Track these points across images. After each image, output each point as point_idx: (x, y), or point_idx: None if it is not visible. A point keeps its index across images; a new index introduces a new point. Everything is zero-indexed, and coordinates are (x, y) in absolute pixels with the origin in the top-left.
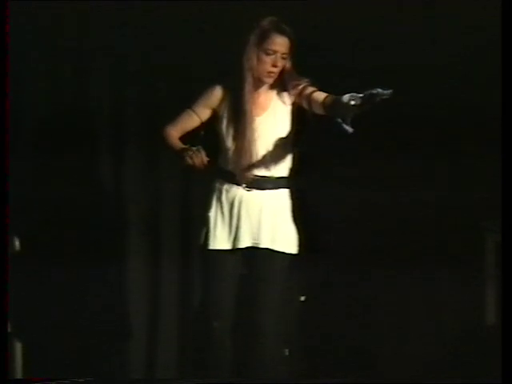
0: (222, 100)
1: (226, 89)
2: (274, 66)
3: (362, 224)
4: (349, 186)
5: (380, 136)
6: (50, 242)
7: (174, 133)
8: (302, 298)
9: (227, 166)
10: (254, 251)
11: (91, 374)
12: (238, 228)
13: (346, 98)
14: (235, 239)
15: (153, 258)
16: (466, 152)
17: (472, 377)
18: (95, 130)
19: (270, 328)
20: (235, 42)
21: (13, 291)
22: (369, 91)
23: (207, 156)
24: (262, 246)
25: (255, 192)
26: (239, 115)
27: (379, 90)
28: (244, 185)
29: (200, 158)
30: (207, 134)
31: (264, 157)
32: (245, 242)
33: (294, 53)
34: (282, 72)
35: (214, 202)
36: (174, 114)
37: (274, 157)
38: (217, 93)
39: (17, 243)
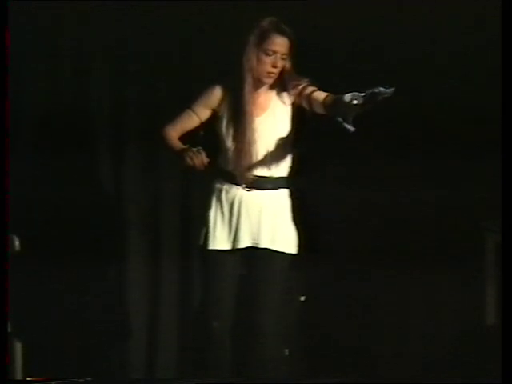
0: (222, 100)
1: (225, 89)
2: (274, 66)
3: (362, 224)
4: (349, 186)
5: (380, 136)
6: (50, 241)
7: (174, 133)
8: (302, 298)
9: (227, 166)
10: (253, 251)
11: (91, 374)
12: (237, 228)
13: (347, 97)
14: (235, 239)
15: (153, 258)
16: (466, 152)
17: (472, 377)
18: (95, 129)
19: (269, 328)
20: (235, 42)
21: (13, 291)
22: (371, 90)
23: (207, 156)
24: (262, 246)
25: (255, 192)
26: (239, 115)
27: (381, 89)
28: (244, 185)
29: (200, 158)
30: (207, 134)
31: (264, 157)
32: (244, 242)
33: (294, 53)
34: (282, 72)
35: (214, 202)
36: (173, 114)
37: (273, 157)
38: (216, 93)
39: (17, 243)
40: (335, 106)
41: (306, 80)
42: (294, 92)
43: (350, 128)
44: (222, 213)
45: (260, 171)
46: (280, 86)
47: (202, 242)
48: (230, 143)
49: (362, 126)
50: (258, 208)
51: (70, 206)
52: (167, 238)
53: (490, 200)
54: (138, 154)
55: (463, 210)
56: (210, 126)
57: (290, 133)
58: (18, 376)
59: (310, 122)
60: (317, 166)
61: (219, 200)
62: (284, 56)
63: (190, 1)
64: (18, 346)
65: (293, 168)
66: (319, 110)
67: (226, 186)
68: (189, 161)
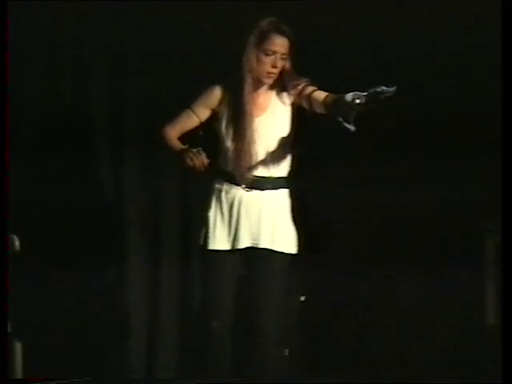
0: (222, 100)
1: (225, 89)
2: (274, 66)
3: (362, 224)
4: (349, 186)
5: (380, 136)
6: (50, 241)
7: (173, 133)
8: (302, 298)
9: (227, 166)
10: (253, 251)
11: (91, 374)
12: (237, 228)
13: (349, 96)
14: (235, 239)
15: (152, 258)
16: (466, 152)
17: (472, 377)
18: (95, 129)
19: (269, 328)
20: (235, 42)
21: (13, 291)
22: (373, 89)
23: (207, 157)
24: (262, 246)
25: (255, 192)
26: (239, 116)
27: (384, 88)
28: (243, 185)
29: (200, 159)
30: (206, 135)
31: (264, 157)
32: (244, 243)
33: (294, 53)
34: (282, 72)
35: (214, 203)
36: (173, 114)
37: (273, 157)
38: (216, 93)
39: (17, 243)
40: (336, 105)
41: (305, 80)
42: (293, 92)
43: (351, 128)
44: (222, 213)
45: (260, 171)
46: (280, 86)
47: (201, 242)
48: (229, 143)
49: (362, 126)
50: (257, 208)
51: (69, 206)
52: (167, 238)
53: (490, 200)
54: (138, 154)
55: (463, 210)
56: (210, 126)
57: (290, 133)
58: (18, 376)
59: (310, 122)
60: (317, 166)
61: (219, 200)
62: (284, 56)
63: (190, 1)
64: (18, 346)
65: (293, 168)
66: (319, 110)
67: (225, 186)
68: (189, 162)
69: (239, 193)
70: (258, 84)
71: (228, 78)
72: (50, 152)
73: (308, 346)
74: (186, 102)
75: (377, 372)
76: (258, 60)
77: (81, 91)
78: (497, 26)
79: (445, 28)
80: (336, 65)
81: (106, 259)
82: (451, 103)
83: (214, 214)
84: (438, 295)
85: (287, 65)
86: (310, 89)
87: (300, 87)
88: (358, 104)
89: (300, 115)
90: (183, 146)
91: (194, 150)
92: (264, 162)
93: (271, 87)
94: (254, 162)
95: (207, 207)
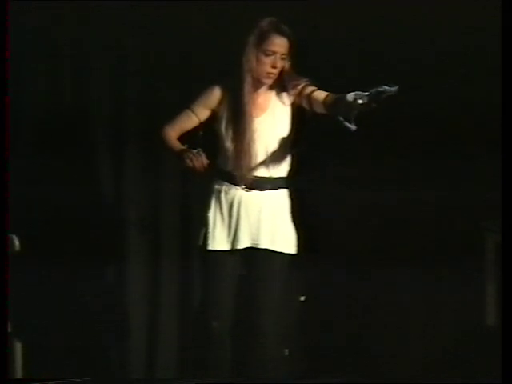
0: (221, 101)
1: (225, 89)
2: (274, 66)
3: (362, 224)
4: (349, 186)
5: (380, 136)
6: (50, 241)
7: (173, 133)
8: (302, 298)
9: (226, 166)
10: (253, 252)
11: (91, 374)
12: (237, 228)
13: (350, 96)
14: (234, 240)
15: (152, 259)
16: (466, 152)
17: (472, 377)
18: (95, 129)
19: (269, 328)
20: (235, 42)
21: (13, 291)
22: (375, 89)
23: (206, 157)
24: (262, 246)
25: (254, 192)
26: (238, 116)
27: (386, 88)
28: (243, 185)
29: (200, 160)
30: (206, 135)
31: (263, 157)
32: (244, 243)
33: (294, 53)
34: (282, 72)
35: (213, 203)
36: (173, 114)
37: (273, 157)
38: (216, 93)
39: (17, 243)
40: (336, 105)
41: (305, 80)
42: (293, 92)
43: (352, 127)
44: (222, 213)
45: (259, 171)
46: (279, 86)
47: (201, 243)
48: (229, 144)
49: (362, 126)
50: (257, 208)
51: (70, 206)
52: (167, 238)
53: (490, 200)
54: (138, 154)
55: (463, 210)
56: (210, 126)
57: (290, 133)
58: (18, 376)
59: (310, 122)
60: (316, 166)
61: (219, 200)
62: (283, 56)
63: (190, 1)
64: (18, 346)
65: (292, 168)
66: (320, 110)
67: (225, 187)
68: (189, 162)
69: (239, 193)
70: (257, 84)
71: (228, 78)
72: (49, 152)
73: (308, 346)
74: (186, 102)
75: (377, 372)
76: (258, 60)
77: (81, 91)
78: (497, 26)
79: (445, 28)
80: (336, 65)
81: (105, 259)
82: (451, 103)
83: (213, 214)
84: (438, 295)
85: (287, 65)
86: (309, 89)
87: (300, 87)
88: (361, 104)
89: (300, 115)
90: (183, 147)
91: (194, 151)
92: (264, 162)
93: (271, 87)
94: (253, 163)
95: (207, 207)
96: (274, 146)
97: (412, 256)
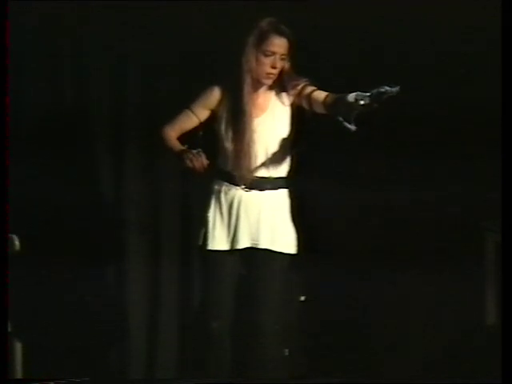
0: (221, 101)
1: (224, 90)
2: (273, 67)
3: (362, 224)
4: (349, 185)
5: (380, 136)
6: (50, 241)
7: (172, 133)
8: (302, 298)
9: (226, 166)
10: (253, 252)
11: (91, 374)
12: (236, 229)
13: (351, 97)
14: (234, 240)
15: (152, 259)
16: (466, 152)
17: (472, 377)
18: (95, 130)
19: (269, 328)
20: (234, 42)
21: (13, 291)
22: (376, 89)
23: (206, 157)
24: (261, 246)
25: (254, 192)
26: (238, 116)
27: (387, 88)
28: (243, 185)
29: (200, 161)
30: (206, 135)
31: (263, 157)
32: (244, 243)
33: (293, 53)
34: (281, 73)
35: (213, 203)
36: (173, 114)
37: (273, 157)
38: (215, 93)
39: (17, 243)
40: (337, 105)
41: (305, 80)
42: (293, 92)
43: (352, 127)
44: (221, 213)
45: (259, 172)
46: (279, 86)
47: (201, 243)
48: (229, 144)
49: (361, 126)
50: (257, 208)
51: (70, 206)
52: (167, 238)
53: (489, 200)
54: (138, 154)
55: (463, 210)
56: (209, 126)
57: (290, 133)
58: (18, 376)
59: (310, 122)
60: (316, 166)
61: (218, 200)
62: (283, 57)
63: (189, 1)
64: (18, 346)
65: (292, 168)
66: (319, 110)
67: (225, 187)
68: (188, 163)
69: (239, 193)
70: (257, 84)
71: (227, 78)
72: (50, 152)
73: (308, 346)
74: (186, 102)
75: (377, 372)
76: (258, 61)
77: (81, 91)
78: (497, 26)
79: (445, 28)
80: (336, 65)
81: (105, 259)
82: (451, 103)
83: (213, 214)
84: (438, 295)
85: (286, 65)
86: (309, 89)
87: (299, 87)
88: (362, 105)
89: (299, 115)
90: (183, 147)
91: (194, 151)
92: (263, 163)
93: (270, 88)
94: (253, 163)
95: (207, 207)
96: (273, 146)
97: (412, 256)
